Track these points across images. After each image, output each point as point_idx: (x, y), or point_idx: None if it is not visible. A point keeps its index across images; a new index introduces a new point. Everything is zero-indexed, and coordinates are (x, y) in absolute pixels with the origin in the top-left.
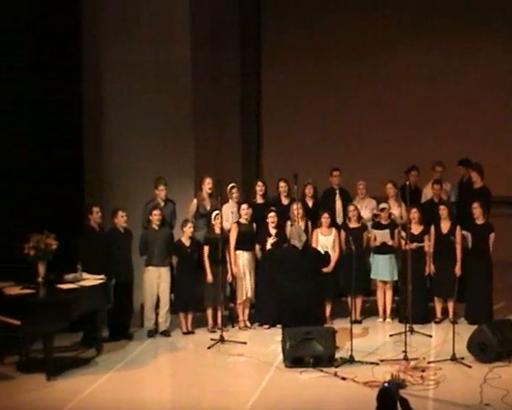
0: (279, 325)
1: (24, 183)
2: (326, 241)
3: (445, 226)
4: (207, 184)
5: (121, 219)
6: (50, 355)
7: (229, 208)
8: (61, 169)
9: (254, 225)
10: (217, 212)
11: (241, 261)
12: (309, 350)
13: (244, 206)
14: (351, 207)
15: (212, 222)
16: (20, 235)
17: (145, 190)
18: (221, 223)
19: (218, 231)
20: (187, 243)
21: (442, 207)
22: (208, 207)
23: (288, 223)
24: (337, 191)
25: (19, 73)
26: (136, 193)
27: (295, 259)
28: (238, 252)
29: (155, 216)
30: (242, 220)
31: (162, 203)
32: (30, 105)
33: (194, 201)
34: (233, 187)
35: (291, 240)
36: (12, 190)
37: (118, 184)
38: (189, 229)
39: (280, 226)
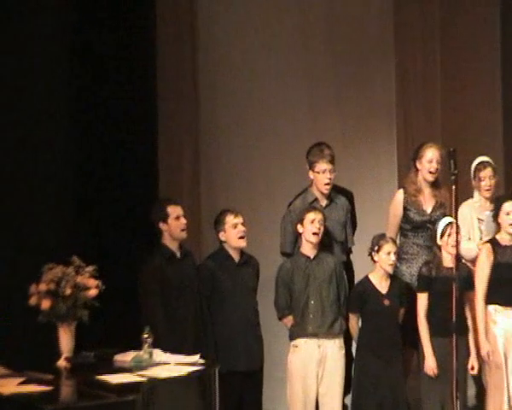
0: None
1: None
2: None
3: None
4: (428, 160)
5: (233, 233)
6: None
7: (473, 211)
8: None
9: None
10: (448, 219)
11: (501, 329)
12: None
13: (508, 205)
14: None
15: (438, 241)
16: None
17: (288, 181)
18: (456, 242)
19: (448, 261)
20: (381, 285)
21: None
22: (429, 210)
23: None
24: None
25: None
26: (268, 189)
27: None
28: (494, 308)
29: (311, 225)
30: (504, 238)
31: (324, 201)
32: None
33: (400, 194)
34: (483, 165)
35: None
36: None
37: (231, 171)
38: (387, 257)
39: None
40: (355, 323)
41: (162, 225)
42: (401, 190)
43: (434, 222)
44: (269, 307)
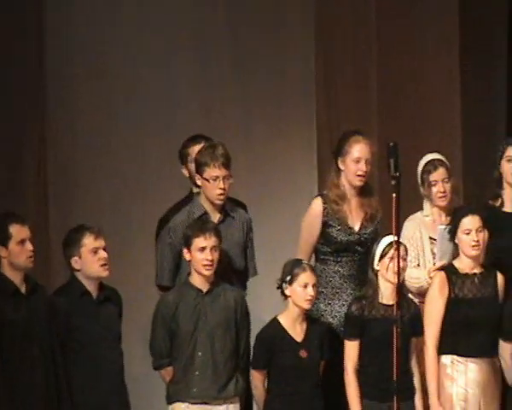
0: None
1: None
2: None
3: None
4: (355, 160)
5: (92, 260)
6: None
7: (423, 227)
8: None
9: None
10: (391, 238)
11: (460, 388)
12: None
13: (468, 222)
14: None
15: (375, 266)
16: None
17: (171, 189)
18: (398, 269)
19: (387, 296)
20: (295, 331)
21: None
22: (357, 226)
23: None
24: None
25: None
26: (142, 199)
27: None
28: (450, 359)
29: (201, 254)
30: (464, 264)
31: (217, 215)
32: None
33: (317, 203)
34: (433, 165)
35: None
36: None
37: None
38: (303, 291)
39: None
40: (260, 383)
41: (1, 251)
42: (319, 199)
43: (364, 243)
44: (139, 359)
